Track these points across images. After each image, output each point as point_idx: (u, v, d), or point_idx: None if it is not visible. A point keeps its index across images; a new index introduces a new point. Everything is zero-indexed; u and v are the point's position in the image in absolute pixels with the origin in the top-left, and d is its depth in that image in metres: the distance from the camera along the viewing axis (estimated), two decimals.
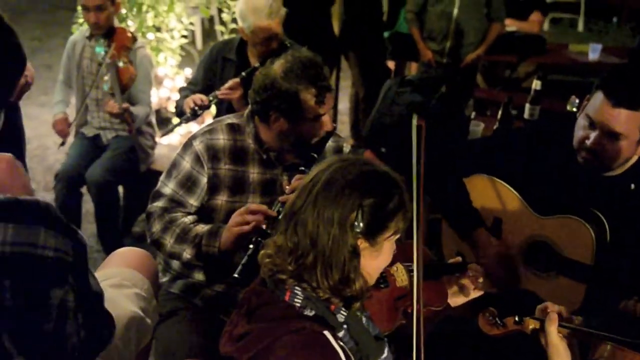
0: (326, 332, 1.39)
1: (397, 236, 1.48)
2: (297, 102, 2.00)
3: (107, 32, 3.40)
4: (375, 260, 1.47)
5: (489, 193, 2.37)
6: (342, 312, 1.44)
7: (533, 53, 5.59)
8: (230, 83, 2.98)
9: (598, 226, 2.16)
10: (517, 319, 1.67)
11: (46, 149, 4.91)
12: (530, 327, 1.65)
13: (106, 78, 3.34)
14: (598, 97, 2.05)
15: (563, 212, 2.19)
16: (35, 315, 1.14)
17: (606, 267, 2.11)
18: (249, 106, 2.14)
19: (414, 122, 1.71)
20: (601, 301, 2.12)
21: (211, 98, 3.01)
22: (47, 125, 4.14)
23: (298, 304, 1.41)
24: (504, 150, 2.41)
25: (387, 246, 1.47)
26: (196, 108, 2.99)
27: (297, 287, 1.42)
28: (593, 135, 2.08)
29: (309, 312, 1.41)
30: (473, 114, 3.63)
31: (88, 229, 3.84)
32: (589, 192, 2.20)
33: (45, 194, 4.19)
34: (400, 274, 1.85)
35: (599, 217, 2.17)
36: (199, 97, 3.04)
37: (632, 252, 2.13)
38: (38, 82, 4.11)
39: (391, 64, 5.31)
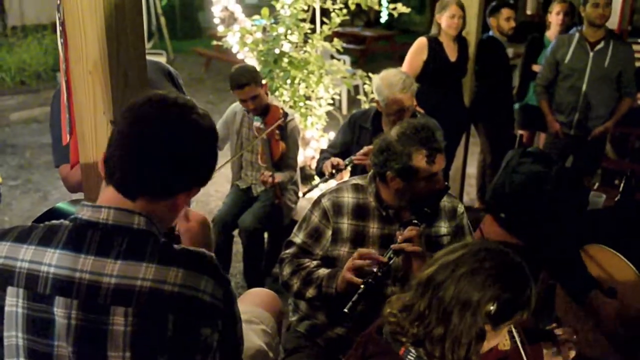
0: None
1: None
2: (410, 163, 2.04)
3: (262, 110, 3.56)
4: (492, 340, 1.45)
5: (604, 263, 2.24)
6: None
7: None
8: (365, 149, 3.06)
9: None
10: None
11: (209, 196, 5.24)
12: None
13: (259, 149, 3.54)
14: None
15: None
16: (186, 348, 1.26)
17: None
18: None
19: None
20: None
21: (347, 162, 3.11)
22: None
23: None
24: (623, 222, 2.27)
25: (505, 330, 1.46)
26: (333, 171, 3.10)
27: (412, 348, 1.43)
28: None
29: None
30: (597, 185, 3.43)
31: (236, 268, 4.03)
32: None
33: None
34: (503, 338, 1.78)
35: None
36: (337, 161, 3.15)
37: None
38: None
39: (521, 133, 5.17)
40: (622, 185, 3.21)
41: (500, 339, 1.47)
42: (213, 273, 1.30)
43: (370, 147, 3.04)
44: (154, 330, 1.23)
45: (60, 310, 1.23)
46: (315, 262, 2.21)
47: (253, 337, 1.94)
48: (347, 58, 7.95)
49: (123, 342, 1.22)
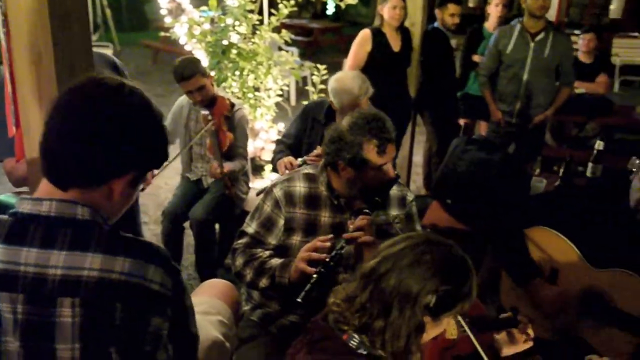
0: None
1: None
2: (361, 153, 2.05)
3: (209, 102, 3.52)
4: (432, 330, 1.45)
5: (547, 245, 2.30)
6: None
7: (600, 114, 5.40)
8: (317, 151, 3.04)
9: None
10: None
11: (159, 189, 5.14)
12: None
13: (208, 141, 3.50)
14: None
15: (619, 265, 2.09)
16: (136, 337, 1.23)
17: None
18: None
19: None
20: None
21: (300, 162, 3.10)
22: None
23: (353, 345, 1.43)
24: (564, 206, 2.35)
25: (446, 320, 1.46)
26: (287, 171, 3.09)
27: (355, 335, 1.44)
28: None
29: (363, 352, 1.43)
30: (537, 171, 3.53)
31: (188, 259, 3.97)
32: None
33: (155, 227, 4.39)
34: (451, 327, 1.80)
35: None
36: (290, 162, 3.15)
37: None
38: None
39: (462, 122, 5.27)
40: (561, 171, 3.32)
41: (441, 329, 1.48)
42: (161, 262, 1.27)
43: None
44: (102, 320, 1.20)
45: (5, 306, 1.19)
46: (268, 252, 2.19)
47: (209, 328, 1.91)
48: (295, 50, 7.91)
49: (72, 333, 1.19)
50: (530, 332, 1.80)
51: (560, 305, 2.20)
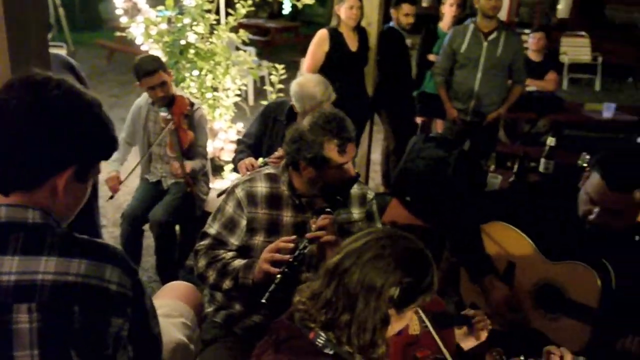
0: None
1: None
2: (322, 152, 2.05)
3: (168, 101, 3.48)
4: (396, 324, 1.47)
5: (503, 239, 2.34)
6: (358, 355, 1.45)
7: (550, 111, 5.55)
8: (280, 152, 3.03)
9: (604, 273, 2.10)
10: (522, 359, 1.63)
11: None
12: None
13: (168, 140, 3.45)
14: (595, 178, 2.01)
15: (572, 258, 2.14)
16: (97, 339, 1.20)
17: (610, 311, 2.04)
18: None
19: None
20: (604, 342, 2.05)
21: (261, 163, 3.09)
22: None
23: (320, 344, 1.43)
24: (518, 201, 2.39)
25: (409, 313, 1.48)
26: (248, 173, 3.07)
27: (322, 333, 1.44)
28: (595, 211, 2.04)
29: (329, 351, 1.43)
30: (492, 167, 3.60)
31: (148, 262, 3.91)
32: (597, 242, 2.15)
33: (114, 229, 4.30)
34: (413, 323, 1.82)
35: (606, 265, 2.11)
36: (251, 163, 3.13)
37: (635, 298, 2.06)
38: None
39: (419, 120, 5.33)
40: (515, 167, 3.40)
41: (405, 323, 1.50)
42: (118, 262, 1.25)
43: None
44: (61, 323, 1.17)
45: None
46: (231, 254, 2.17)
47: (173, 331, 1.89)
48: (252, 49, 7.86)
49: (30, 340, 1.16)
50: (489, 326, 1.84)
51: (516, 298, 2.25)
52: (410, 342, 1.77)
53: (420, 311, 1.74)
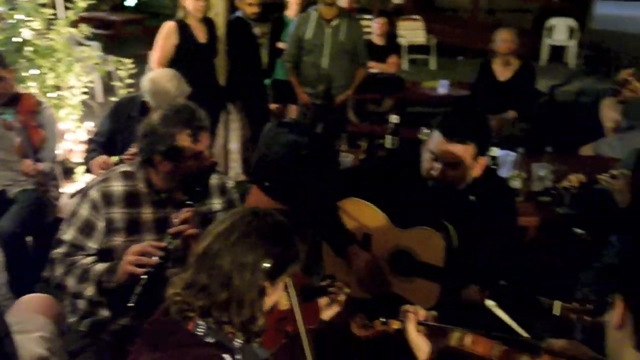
0: (226, 356, 1.41)
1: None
2: (175, 143, 2.02)
3: (12, 98, 3.23)
4: (271, 296, 1.51)
5: (358, 214, 2.45)
6: (238, 340, 1.47)
7: (393, 90, 5.86)
8: (133, 149, 2.92)
9: (447, 233, 2.29)
10: (382, 320, 1.73)
11: None
12: (394, 327, 1.72)
13: (18, 140, 3.19)
14: (435, 135, 2.21)
15: (419, 224, 2.30)
16: None
17: (454, 267, 2.23)
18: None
19: None
20: (451, 295, 2.24)
21: (116, 161, 2.96)
22: None
23: (201, 333, 1.42)
24: (369, 177, 2.52)
25: (281, 285, 1.54)
26: (102, 171, 2.93)
27: (201, 322, 1.43)
28: (436, 166, 2.22)
29: (211, 340, 1.43)
30: (345, 147, 3.75)
31: (0, 278, 3.60)
32: (438, 206, 2.33)
33: None
34: (283, 298, 1.86)
35: (447, 226, 2.30)
36: (104, 161, 2.99)
37: (474, 252, 2.27)
38: None
39: (273, 107, 5.40)
40: (365, 146, 3.57)
41: (278, 294, 1.55)
42: None
43: None
44: None
45: None
46: (90, 258, 2.07)
47: (31, 347, 1.77)
48: (96, 44, 7.43)
49: None
50: (346, 291, 1.94)
51: (375, 266, 2.38)
52: (281, 317, 1.82)
53: (288, 286, 1.79)
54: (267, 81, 5.20)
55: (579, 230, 3.28)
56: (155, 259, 1.90)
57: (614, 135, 4.35)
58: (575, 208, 2.87)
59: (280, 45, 5.10)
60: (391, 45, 6.24)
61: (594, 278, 2.58)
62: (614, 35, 10.08)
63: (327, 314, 1.91)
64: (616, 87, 3.59)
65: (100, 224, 2.07)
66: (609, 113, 4.47)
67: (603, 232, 2.60)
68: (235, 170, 5.20)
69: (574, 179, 2.43)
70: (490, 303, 1.79)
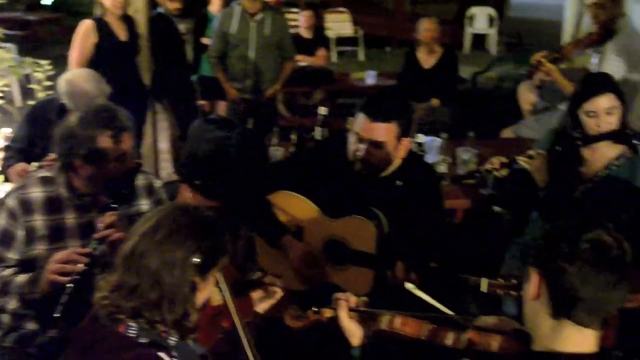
0: (162, 354, 1.39)
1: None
2: (95, 146, 1.96)
3: None
4: (203, 291, 1.49)
5: (289, 206, 2.46)
6: (172, 338, 1.44)
7: (322, 83, 5.90)
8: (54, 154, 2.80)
9: (377, 220, 2.33)
10: (315, 310, 1.75)
11: None
12: (327, 315, 1.74)
13: None
14: (359, 117, 2.27)
15: (349, 213, 2.34)
16: None
17: (386, 252, 2.28)
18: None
19: None
20: (381, 280, 2.29)
21: (36, 167, 2.82)
22: None
23: (133, 335, 1.39)
24: (299, 169, 2.54)
25: (212, 279, 1.52)
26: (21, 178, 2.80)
27: (132, 323, 1.40)
28: (362, 147, 2.27)
29: (144, 340, 1.39)
30: (275, 141, 3.74)
31: None
32: (367, 193, 2.38)
33: None
34: (215, 294, 1.84)
35: (377, 213, 2.34)
36: (23, 168, 2.85)
37: (404, 236, 2.32)
38: None
39: (201, 104, 5.32)
40: (293, 138, 3.58)
41: (210, 289, 1.53)
42: None
43: None
44: None
45: None
46: (10, 270, 1.98)
47: None
48: (11, 46, 7.09)
49: None
50: (279, 284, 1.94)
51: (309, 256, 2.40)
52: (215, 313, 1.80)
53: (219, 281, 1.77)
54: (193, 78, 5.12)
55: (497, 209, 3.43)
56: (80, 266, 1.83)
57: (531, 117, 4.55)
58: (497, 189, 2.98)
59: (205, 40, 5.03)
60: (319, 38, 6.26)
61: (518, 254, 2.69)
62: (530, 22, 10.51)
63: (262, 307, 1.91)
64: (530, 69, 3.73)
65: (20, 233, 1.99)
66: (526, 95, 4.68)
67: (523, 210, 2.72)
68: (167, 170, 5.10)
69: (495, 161, 2.51)
70: (409, 286, 1.84)
